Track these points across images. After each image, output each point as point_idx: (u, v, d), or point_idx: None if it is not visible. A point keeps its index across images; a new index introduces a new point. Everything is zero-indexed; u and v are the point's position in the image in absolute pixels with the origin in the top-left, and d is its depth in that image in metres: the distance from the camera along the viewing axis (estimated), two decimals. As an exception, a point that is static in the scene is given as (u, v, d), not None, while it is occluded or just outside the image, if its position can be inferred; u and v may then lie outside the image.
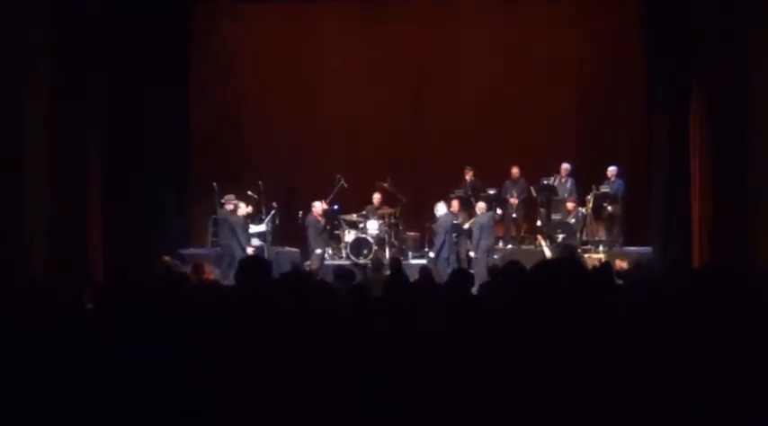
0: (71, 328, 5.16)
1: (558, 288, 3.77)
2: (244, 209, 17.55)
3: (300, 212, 18.36)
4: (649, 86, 18.56)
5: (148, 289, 6.22)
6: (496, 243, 18.55)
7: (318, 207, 17.93)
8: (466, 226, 17.89)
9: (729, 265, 14.05)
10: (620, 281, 11.47)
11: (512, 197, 19.25)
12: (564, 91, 20.09)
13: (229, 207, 17.68)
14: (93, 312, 6.94)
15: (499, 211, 19.04)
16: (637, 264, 13.38)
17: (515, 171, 19.37)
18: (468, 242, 17.87)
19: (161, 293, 6.06)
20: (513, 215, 19.34)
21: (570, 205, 18.39)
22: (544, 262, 4.25)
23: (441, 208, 17.81)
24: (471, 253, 17.50)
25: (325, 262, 17.80)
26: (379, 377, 4.45)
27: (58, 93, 15.07)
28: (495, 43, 20.33)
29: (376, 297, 9.03)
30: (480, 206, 17.82)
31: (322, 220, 17.95)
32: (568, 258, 4.16)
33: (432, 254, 17.51)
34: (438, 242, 17.57)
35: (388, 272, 13.82)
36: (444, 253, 17.52)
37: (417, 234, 19.52)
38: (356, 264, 16.91)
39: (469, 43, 20.31)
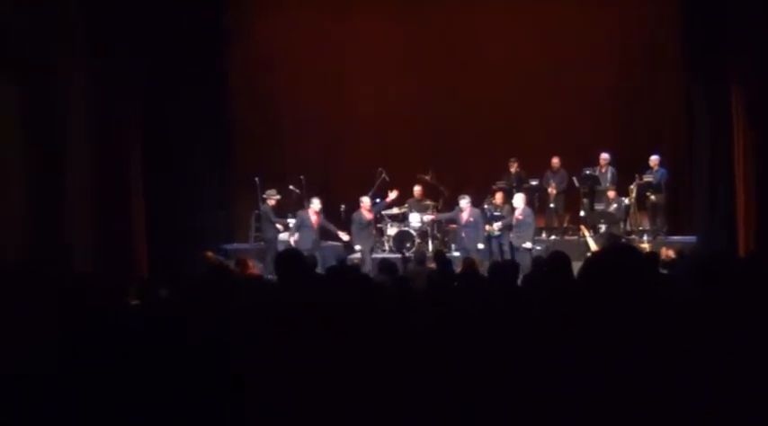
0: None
1: (609, 279, 3.74)
2: (317, 205, 17.53)
3: (343, 206, 18.34)
4: (690, 73, 18.38)
5: (195, 283, 6.23)
6: (539, 234, 18.49)
7: (367, 202, 17.88)
8: (520, 216, 17.49)
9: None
10: (664, 271, 11.43)
11: (550, 187, 19.20)
12: (604, 80, 19.94)
13: (271, 202, 17.75)
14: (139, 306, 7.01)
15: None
16: (681, 254, 13.30)
17: (555, 161, 19.34)
18: (511, 233, 17.61)
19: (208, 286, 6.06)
20: (551, 205, 19.28)
21: (611, 194, 18.28)
22: (604, 251, 4.22)
23: (467, 202, 17.68)
24: (527, 244, 17.21)
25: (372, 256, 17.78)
26: (426, 368, 4.44)
27: (96, 88, 15.15)
28: (534, 32, 20.23)
29: (420, 289, 9.04)
30: (520, 197, 17.64)
31: (368, 216, 17.89)
32: (626, 246, 4.10)
33: (481, 246, 17.36)
34: (479, 233, 17.47)
35: (431, 265, 13.78)
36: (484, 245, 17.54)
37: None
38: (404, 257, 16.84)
39: (508, 32, 20.22)
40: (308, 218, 17.36)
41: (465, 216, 17.54)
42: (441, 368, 4.43)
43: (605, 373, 3.60)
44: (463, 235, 17.57)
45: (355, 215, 17.82)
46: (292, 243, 16.99)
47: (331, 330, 4.68)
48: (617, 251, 4.06)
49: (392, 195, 18.37)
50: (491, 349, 4.60)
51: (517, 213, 17.29)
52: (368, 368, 4.38)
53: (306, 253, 15.23)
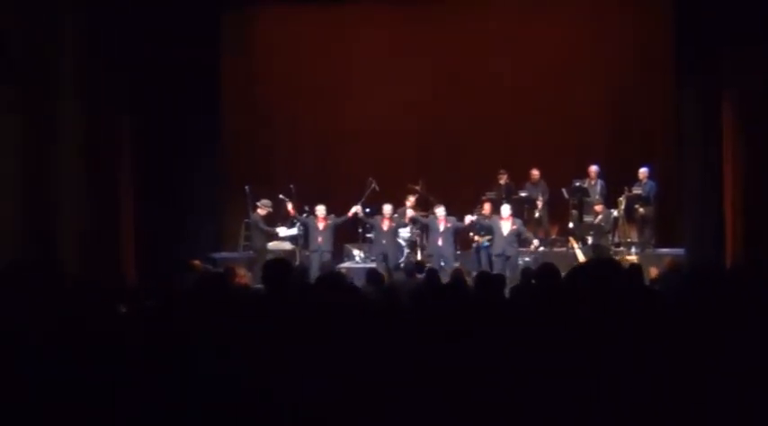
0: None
1: (590, 292, 3.77)
2: (322, 211, 17.85)
3: (332, 215, 18.31)
4: (680, 85, 18.47)
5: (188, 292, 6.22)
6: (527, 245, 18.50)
7: (387, 210, 18.07)
8: (513, 227, 17.56)
9: (763, 265, 13.93)
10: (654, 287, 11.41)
11: (536, 199, 19.21)
12: (593, 91, 19.95)
13: (262, 212, 17.82)
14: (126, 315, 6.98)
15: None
16: (672, 267, 13.27)
17: (535, 173, 19.33)
18: (503, 244, 17.57)
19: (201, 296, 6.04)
20: (536, 215, 19.24)
21: (598, 207, 18.27)
22: (582, 266, 4.24)
23: (443, 211, 17.81)
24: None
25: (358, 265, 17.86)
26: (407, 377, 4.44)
27: (87, 95, 15.18)
28: (523, 45, 20.22)
29: (406, 300, 9.03)
30: (507, 208, 17.71)
31: (386, 225, 17.95)
32: (606, 260, 4.09)
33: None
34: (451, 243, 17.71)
35: (420, 276, 13.79)
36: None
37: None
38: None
39: (497, 46, 20.21)
40: (314, 224, 17.79)
41: (443, 224, 17.65)
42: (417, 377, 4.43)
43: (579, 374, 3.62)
44: (440, 242, 17.66)
45: (374, 221, 18.02)
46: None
47: (304, 340, 4.66)
48: (599, 264, 4.10)
49: (352, 211, 18.33)
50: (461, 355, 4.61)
51: (511, 224, 17.37)
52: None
53: (316, 256, 15.80)
